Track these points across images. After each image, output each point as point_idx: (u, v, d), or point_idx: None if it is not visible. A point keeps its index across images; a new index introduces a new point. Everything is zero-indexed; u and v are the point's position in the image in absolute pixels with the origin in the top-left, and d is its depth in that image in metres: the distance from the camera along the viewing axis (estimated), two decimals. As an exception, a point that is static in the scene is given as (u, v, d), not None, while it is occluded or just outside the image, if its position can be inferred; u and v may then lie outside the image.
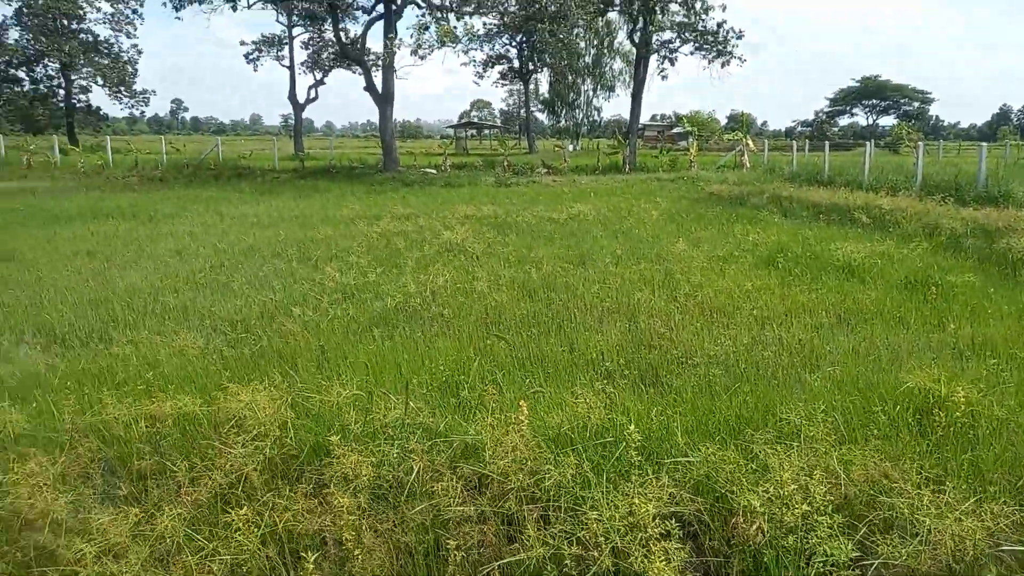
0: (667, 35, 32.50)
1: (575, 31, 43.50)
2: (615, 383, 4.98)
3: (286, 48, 51.19)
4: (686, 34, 32.13)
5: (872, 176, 19.74)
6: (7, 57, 60.86)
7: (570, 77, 71.37)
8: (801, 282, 8.26)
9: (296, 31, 50.12)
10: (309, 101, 51.62)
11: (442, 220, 14.14)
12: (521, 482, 2.92)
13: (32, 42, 59.74)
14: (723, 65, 32.51)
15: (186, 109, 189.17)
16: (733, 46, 32.22)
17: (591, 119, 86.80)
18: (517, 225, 13.60)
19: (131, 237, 12.52)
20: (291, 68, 51.27)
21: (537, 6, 27.75)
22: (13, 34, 60.63)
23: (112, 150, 35.97)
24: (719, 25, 31.94)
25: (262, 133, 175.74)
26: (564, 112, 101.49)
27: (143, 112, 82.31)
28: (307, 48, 51.71)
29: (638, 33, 32.46)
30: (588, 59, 68.54)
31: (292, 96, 50.93)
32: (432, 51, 25.31)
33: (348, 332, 6.31)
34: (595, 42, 64.97)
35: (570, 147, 60.52)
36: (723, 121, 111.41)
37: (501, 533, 2.91)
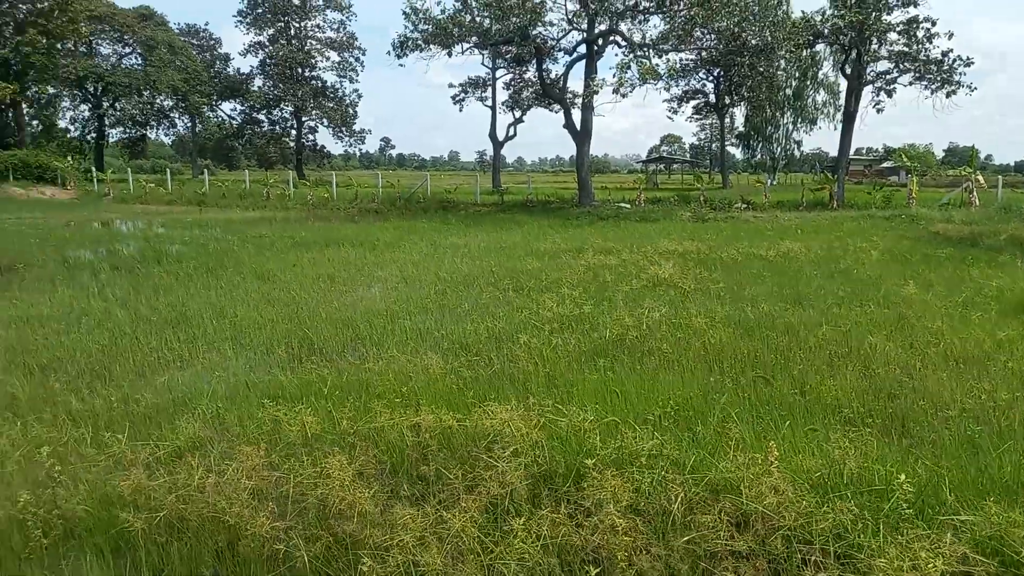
0: (883, 65, 30.39)
1: (776, 63, 42.04)
2: (859, 431, 4.75)
3: (489, 89, 54.19)
4: (905, 64, 29.86)
5: None
6: (251, 102, 69.94)
7: (768, 110, 68.82)
8: (1066, 335, 7.35)
9: (499, 73, 52.93)
10: (508, 139, 54.19)
11: (644, 255, 14.21)
12: (792, 522, 2.90)
13: (272, 89, 68.27)
14: (948, 95, 29.80)
15: (393, 147, 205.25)
16: (960, 75, 29.49)
17: (788, 153, 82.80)
18: (722, 261, 13.32)
19: (361, 263, 13.82)
20: (493, 108, 54.19)
21: (740, 41, 27.17)
22: (257, 82, 69.79)
23: (336, 184, 39.85)
24: (944, 54, 29.41)
25: (459, 168, 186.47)
26: (760, 146, 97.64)
27: (361, 149, 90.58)
28: (508, 88, 54.42)
29: (850, 64, 30.69)
30: (788, 91, 65.85)
31: (492, 134, 53.75)
32: (633, 89, 25.66)
33: (571, 360, 6.56)
34: (796, 74, 62.19)
35: (768, 182, 58.13)
36: (939, 154, 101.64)
37: (769, 571, 2.91)
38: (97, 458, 4.05)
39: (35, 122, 46.77)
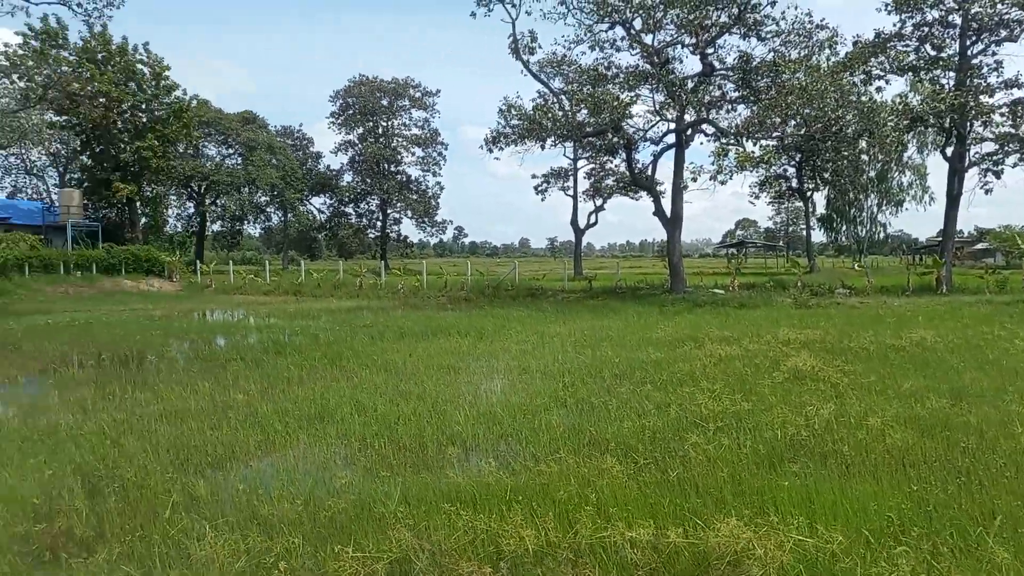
0: (988, 147, 29.46)
1: (859, 147, 41.44)
2: None
3: (571, 179, 55.28)
4: (1011, 145, 28.86)
5: None
6: (340, 196, 73.31)
7: (852, 193, 67.70)
8: None
9: (580, 163, 54.07)
10: (589, 226, 54.75)
11: (767, 344, 13.65)
12: None
13: (360, 183, 71.55)
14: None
15: (466, 235, 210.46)
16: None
17: (874, 236, 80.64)
18: (854, 351, 12.63)
19: (475, 353, 13.75)
20: (574, 196, 55.11)
21: (837, 127, 26.88)
22: (347, 177, 73.31)
23: (426, 272, 40.72)
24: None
25: (529, 256, 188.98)
26: (844, 228, 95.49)
27: (441, 239, 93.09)
28: (589, 178, 55.38)
29: (951, 146, 29.89)
30: (872, 174, 64.84)
31: (574, 221, 54.43)
32: (732, 175, 25.57)
33: (749, 464, 6.13)
34: (880, 156, 61.25)
35: (855, 265, 56.41)
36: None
37: None
38: (328, 571, 3.87)
39: (144, 219, 49.91)
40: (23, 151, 50.65)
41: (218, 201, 62.74)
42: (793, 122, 30.07)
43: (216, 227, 67.37)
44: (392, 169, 71.87)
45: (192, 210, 64.50)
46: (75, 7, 24.99)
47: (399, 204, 72.46)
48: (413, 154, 72.75)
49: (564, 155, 52.28)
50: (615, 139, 30.56)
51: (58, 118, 41.84)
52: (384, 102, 70.38)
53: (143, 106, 47.19)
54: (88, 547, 4.65)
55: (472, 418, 8.12)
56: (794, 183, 61.85)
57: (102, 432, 7.69)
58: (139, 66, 46.90)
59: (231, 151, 64.07)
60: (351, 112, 70.43)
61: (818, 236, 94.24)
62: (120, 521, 5.07)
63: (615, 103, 26.23)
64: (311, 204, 75.27)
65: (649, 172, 32.11)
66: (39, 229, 44.98)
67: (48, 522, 5.11)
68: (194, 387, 10.31)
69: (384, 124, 71.28)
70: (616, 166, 51.00)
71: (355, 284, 39.29)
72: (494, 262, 65.35)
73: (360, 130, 70.82)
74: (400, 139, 72.13)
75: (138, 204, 48.56)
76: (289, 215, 70.06)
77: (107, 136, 45.91)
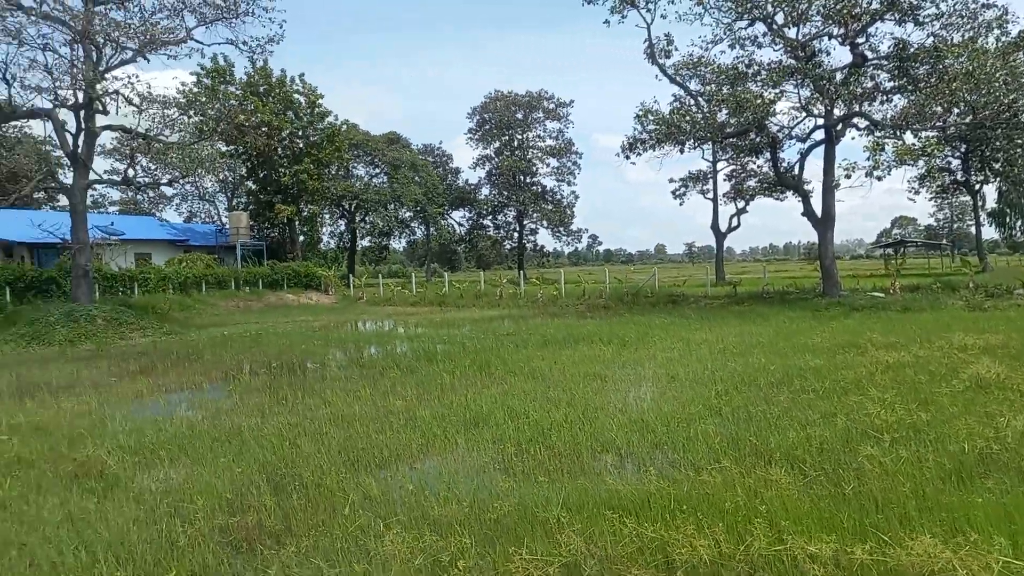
0: None
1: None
2: None
3: (710, 182, 53.66)
4: None
5: None
6: (479, 209, 75.30)
7: (1028, 184, 61.06)
8: None
9: (719, 165, 52.38)
10: (731, 229, 52.81)
11: (941, 350, 12.56)
12: None
13: (498, 196, 73.18)
14: None
15: (600, 242, 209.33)
16: None
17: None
18: (1047, 359, 11.35)
19: (620, 361, 13.63)
20: (714, 200, 53.41)
21: (1010, 111, 24.36)
22: (484, 190, 75.21)
23: (564, 281, 40.92)
24: None
25: (666, 262, 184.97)
26: (1020, 223, 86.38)
27: (576, 247, 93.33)
28: (729, 180, 53.48)
29: None
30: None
31: (715, 225, 52.74)
32: (889, 170, 23.83)
33: (934, 479, 5.65)
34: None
35: (1039, 263, 50.79)
36: None
37: None
38: (504, 571, 3.99)
39: (302, 237, 53.64)
40: (197, 179, 55.90)
41: (367, 218, 66.41)
42: (957, 110, 27.57)
43: (365, 242, 71.26)
44: (528, 180, 72.94)
45: (343, 227, 68.68)
46: (241, 46, 27.31)
47: (535, 215, 73.37)
48: (548, 165, 73.55)
49: (703, 157, 50.74)
50: (758, 139, 29.35)
51: (227, 148, 45.92)
52: (519, 115, 71.63)
53: (300, 132, 50.92)
54: (278, 540, 5.04)
55: (624, 426, 8.05)
56: (959, 176, 56.58)
57: (280, 434, 8.32)
58: (296, 96, 50.71)
59: (377, 171, 67.61)
60: (487, 127, 72.27)
61: (989, 232, 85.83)
62: (304, 517, 5.45)
63: (758, 102, 25.18)
64: (451, 218, 77.88)
65: (796, 171, 30.52)
66: (213, 249, 49.54)
67: (241, 515, 5.59)
68: (356, 393, 10.93)
69: (519, 137, 72.55)
70: (759, 167, 48.97)
71: (495, 294, 40.14)
72: (629, 269, 64.44)
73: (496, 144, 72.48)
74: (535, 151, 73.11)
75: (296, 223, 52.33)
76: (431, 229, 72.81)
77: (269, 162, 49.92)
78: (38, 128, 59.14)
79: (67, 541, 5.18)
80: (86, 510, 5.84)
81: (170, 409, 10.58)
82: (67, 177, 28.86)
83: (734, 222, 52.86)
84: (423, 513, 5.29)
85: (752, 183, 50.81)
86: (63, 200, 54.14)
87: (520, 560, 3.99)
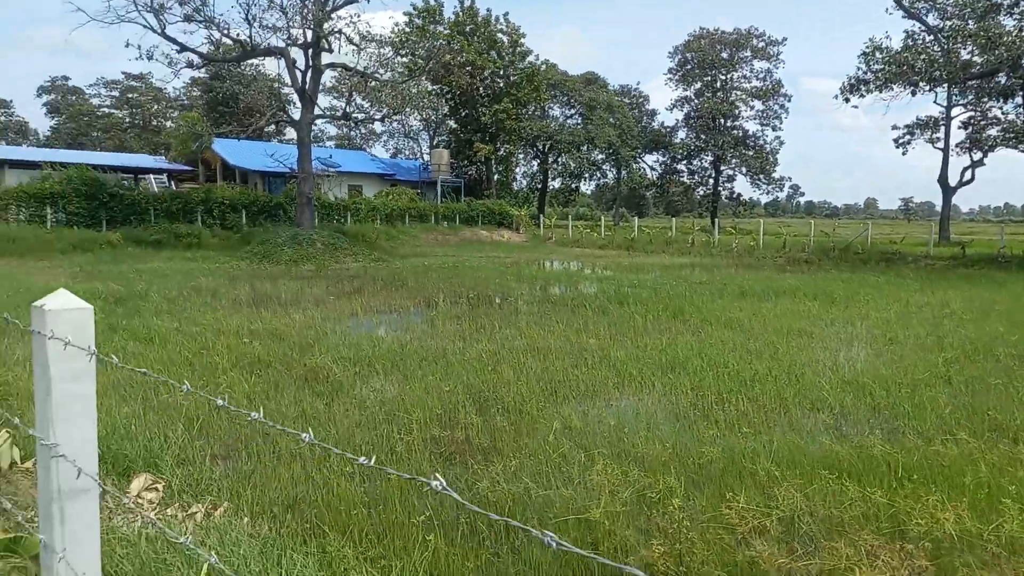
0: None
1: None
2: None
3: (941, 129, 47.62)
4: None
5: None
6: (673, 153, 72.75)
7: None
8: None
9: (955, 111, 46.27)
10: (962, 184, 46.75)
11: None
12: None
13: (695, 140, 70.16)
14: None
15: (802, 193, 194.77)
16: None
17: None
18: None
19: (827, 318, 12.68)
20: (944, 150, 47.39)
21: None
22: (680, 134, 72.40)
23: (763, 232, 38.76)
24: None
25: (876, 217, 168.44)
26: None
27: (777, 196, 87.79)
28: (965, 128, 47.12)
29: None
30: None
31: (943, 179, 46.91)
32: None
33: None
34: None
35: None
36: None
37: None
38: (719, 515, 3.90)
39: (496, 176, 55.11)
40: (404, 117, 58.92)
41: (559, 159, 66.65)
42: None
43: (555, 184, 71.74)
44: (728, 124, 69.02)
45: (536, 168, 69.52)
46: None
47: (733, 160, 69.51)
48: (752, 108, 68.97)
49: (935, 102, 44.90)
50: (1010, 80, 25.35)
51: (433, 87, 47.84)
52: (724, 55, 67.50)
53: (501, 72, 51.80)
54: (485, 456, 5.27)
55: (837, 386, 7.49)
56: None
57: (481, 359, 8.68)
58: (499, 35, 51.42)
59: (573, 111, 67.25)
60: (689, 67, 68.95)
61: None
62: (509, 438, 5.66)
63: (1015, 38, 21.65)
64: (643, 162, 75.98)
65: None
66: (416, 184, 52.35)
67: (451, 430, 5.91)
68: (550, 328, 11.13)
69: (722, 77, 68.49)
70: (1005, 113, 42.49)
71: (686, 241, 38.96)
72: (835, 223, 59.21)
73: (697, 85, 69.03)
74: (738, 92, 68.81)
75: (492, 162, 53.80)
76: (623, 172, 71.64)
77: (471, 101, 51.43)
78: (271, 67, 65.01)
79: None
80: (317, 410, 6.47)
81: (382, 328, 11.43)
82: (295, 112, 31.60)
83: (966, 176, 46.63)
84: (625, 450, 5.27)
85: (994, 132, 44.33)
86: (289, 134, 59.75)
87: (737, 507, 3.84)
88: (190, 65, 28.62)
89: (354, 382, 7.55)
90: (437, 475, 1.08)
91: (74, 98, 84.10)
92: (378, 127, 69.78)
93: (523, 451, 5.29)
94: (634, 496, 4.26)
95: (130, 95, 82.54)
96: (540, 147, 65.78)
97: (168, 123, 78.44)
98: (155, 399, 6.65)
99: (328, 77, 44.05)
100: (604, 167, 71.85)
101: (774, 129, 70.14)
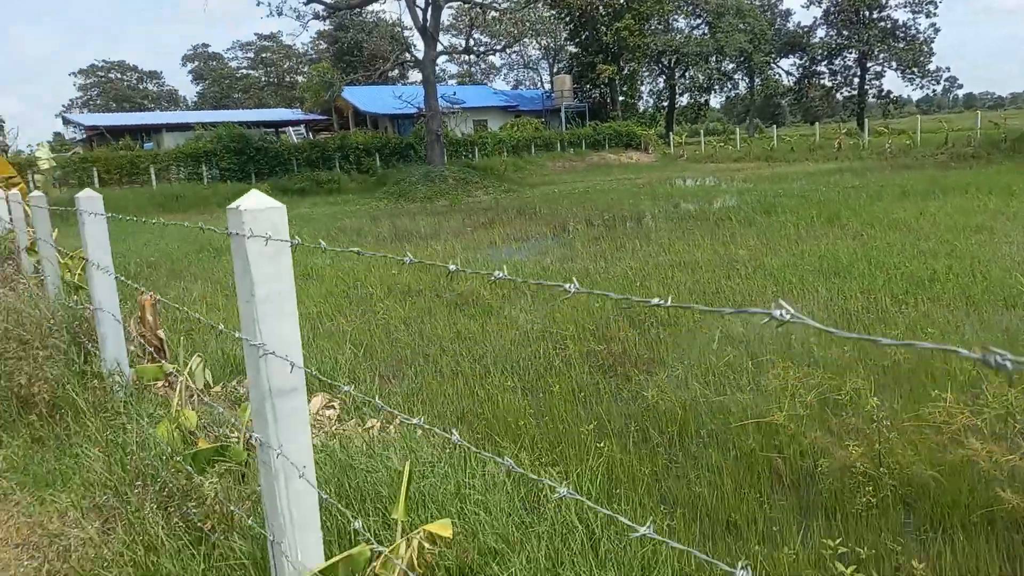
0: None
1: None
2: None
3: None
4: None
5: None
6: (812, 55, 67.12)
7: None
8: None
9: None
10: None
11: None
12: None
13: (836, 37, 64.25)
14: None
15: (960, 86, 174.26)
16: None
17: None
18: None
19: (1008, 212, 11.41)
20: None
21: None
22: (819, 33, 66.50)
23: (920, 130, 35.35)
24: None
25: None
26: None
27: (934, 91, 79.45)
28: None
29: None
30: None
31: None
32: None
33: None
34: None
35: None
36: None
37: None
38: (920, 415, 3.61)
39: (621, 97, 53.32)
40: (523, 48, 57.94)
41: (687, 73, 63.36)
42: None
43: (683, 100, 68.40)
44: (874, 16, 62.47)
45: (662, 85, 66.56)
46: None
47: (881, 56, 63.12)
48: (902, -7, 61.94)
49: None
50: None
51: (550, 12, 46.44)
52: (867, -66, 60.73)
53: (620, -14, 49.42)
54: (647, 367, 5.14)
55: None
56: None
57: (626, 276, 8.50)
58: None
59: (699, 21, 63.27)
60: (827, -46, 62.73)
61: None
62: (669, 349, 5.49)
63: None
64: (778, 67, 70.67)
65: None
66: (540, 113, 51.70)
67: (606, 344, 5.81)
68: (695, 242, 10.70)
69: (866, -39, 61.80)
70: None
71: (832, 147, 36.19)
72: (1002, 114, 52.42)
73: (837, -27, 62.81)
74: (886, -24, 61.88)
75: (616, 83, 51.99)
76: (757, 80, 67.08)
77: (591, 21, 49.54)
78: (391, 11, 65.61)
79: (462, 354, 5.88)
80: (471, 330, 6.58)
81: (522, 253, 11.46)
82: (418, 54, 31.76)
83: None
84: (798, 355, 4.96)
85: None
86: (412, 78, 60.51)
87: (944, 406, 3.50)
88: (316, 16, 29.35)
89: (502, 305, 7.60)
90: (781, 301, 0.91)
91: (215, 63, 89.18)
92: (497, 60, 69.12)
93: (686, 360, 5.12)
94: (822, 396, 4.00)
95: (264, 55, 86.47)
96: (665, 62, 62.74)
97: (300, 77, 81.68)
98: (321, 327, 7.01)
99: (446, 15, 43.87)
100: (735, 77, 67.63)
101: (928, 16, 62.83)
